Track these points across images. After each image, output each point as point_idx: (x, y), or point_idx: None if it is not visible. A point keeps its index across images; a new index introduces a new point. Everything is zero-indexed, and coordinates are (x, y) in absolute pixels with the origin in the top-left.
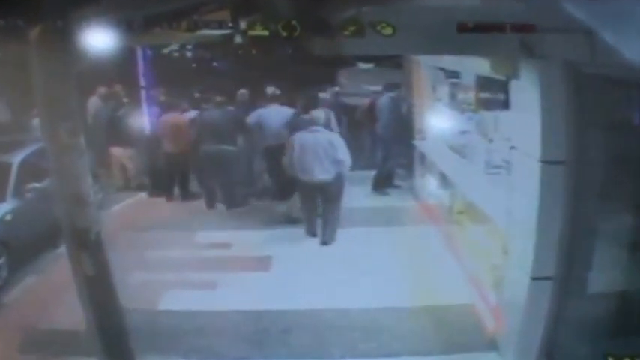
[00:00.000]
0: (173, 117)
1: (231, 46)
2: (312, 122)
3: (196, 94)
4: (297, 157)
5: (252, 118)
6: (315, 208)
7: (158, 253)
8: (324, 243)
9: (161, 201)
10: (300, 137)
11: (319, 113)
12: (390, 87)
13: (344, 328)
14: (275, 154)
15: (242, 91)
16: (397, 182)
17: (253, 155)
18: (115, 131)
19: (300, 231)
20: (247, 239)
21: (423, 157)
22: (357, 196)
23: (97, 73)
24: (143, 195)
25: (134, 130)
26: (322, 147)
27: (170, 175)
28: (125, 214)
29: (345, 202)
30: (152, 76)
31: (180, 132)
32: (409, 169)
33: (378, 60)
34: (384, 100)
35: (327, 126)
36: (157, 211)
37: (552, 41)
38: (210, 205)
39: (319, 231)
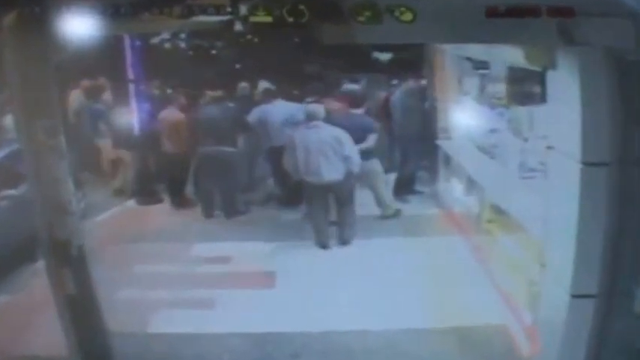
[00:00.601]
0: (171, 113)
1: (230, 35)
2: (312, 117)
3: (169, 90)
4: (301, 157)
5: (254, 115)
6: (325, 214)
7: (149, 268)
8: (344, 243)
9: (152, 209)
10: (302, 135)
11: (317, 107)
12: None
13: (360, 353)
14: (280, 155)
15: (243, 84)
16: (419, 187)
17: (256, 157)
18: (100, 130)
19: (308, 242)
20: (249, 252)
21: (447, 158)
22: (374, 202)
23: (79, 65)
24: (131, 202)
25: (121, 129)
26: (328, 144)
27: (164, 178)
28: (112, 224)
29: (359, 209)
30: (141, 68)
31: (178, 130)
32: (432, 172)
33: (396, 49)
34: (398, 95)
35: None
36: (148, 220)
37: (593, 26)
38: (208, 213)
39: (335, 234)
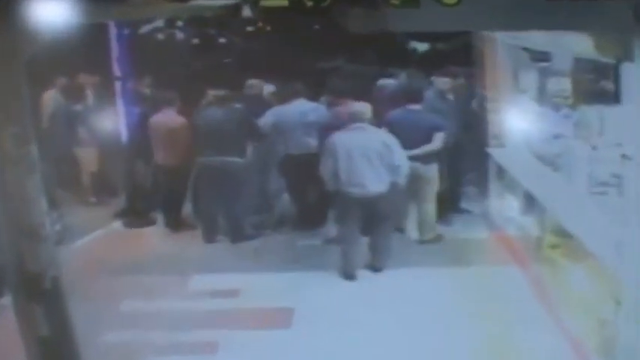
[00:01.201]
0: (167, 117)
1: (237, 22)
2: (355, 118)
3: (146, 90)
4: (342, 164)
5: (267, 118)
6: (358, 234)
7: (139, 304)
8: (376, 269)
9: (143, 233)
10: (344, 138)
11: (363, 106)
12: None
13: None
14: (299, 166)
15: (252, 82)
16: (465, 205)
17: (268, 169)
18: (79, 137)
19: (330, 272)
20: (260, 285)
21: (500, 170)
22: (413, 221)
23: (55, 60)
24: (118, 225)
25: (106, 136)
26: (374, 149)
27: (157, 195)
28: (94, 252)
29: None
30: (130, 62)
31: (176, 137)
32: (481, 187)
33: (437, 38)
34: (429, 94)
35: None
36: (138, 246)
37: None
38: (210, 237)
39: (368, 256)
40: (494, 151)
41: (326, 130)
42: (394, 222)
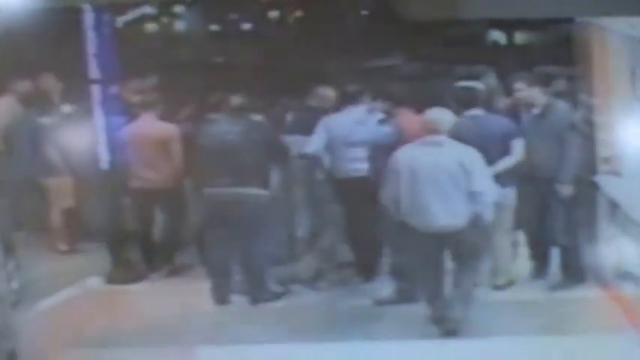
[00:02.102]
0: (146, 124)
1: (258, 7)
2: (429, 128)
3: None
4: (404, 187)
5: (320, 135)
6: (440, 276)
7: None
8: (449, 331)
9: (129, 291)
10: (409, 155)
11: (440, 114)
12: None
13: None
14: (350, 193)
15: (323, 90)
16: (565, 254)
17: (297, 204)
18: (46, 158)
19: (381, 346)
20: (289, 359)
21: (613, 206)
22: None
23: (11, 57)
24: (96, 280)
25: (82, 158)
26: (446, 171)
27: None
28: (63, 317)
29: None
30: (110, 60)
31: (162, 150)
32: (587, 228)
33: (525, 28)
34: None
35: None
36: (123, 309)
37: None
38: (222, 296)
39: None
40: (604, 181)
41: (387, 148)
42: (476, 268)
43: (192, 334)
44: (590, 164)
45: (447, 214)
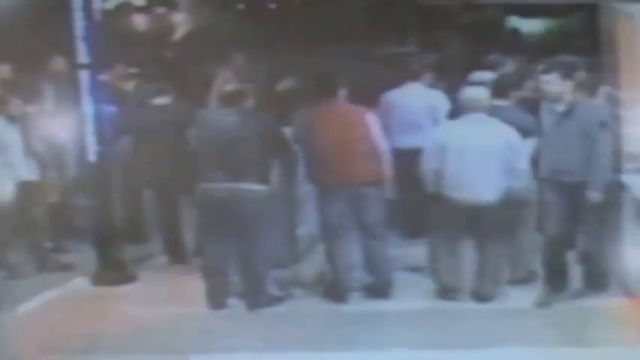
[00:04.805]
0: None
1: None
2: (469, 106)
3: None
4: (452, 163)
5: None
6: (456, 251)
7: None
8: (482, 298)
9: (119, 293)
10: (458, 131)
11: (479, 92)
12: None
13: None
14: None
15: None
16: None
17: (298, 201)
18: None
19: (392, 355)
20: None
21: (639, 207)
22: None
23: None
24: (82, 282)
25: (69, 150)
26: (494, 147)
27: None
28: (46, 322)
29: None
30: (102, 43)
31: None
32: (611, 231)
33: (547, 14)
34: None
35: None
36: (111, 313)
37: None
38: (217, 301)
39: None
40: (631, 180)
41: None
42: (507, 238)
43: (184, 341)
44: (614, 162)
45: (486, 188)
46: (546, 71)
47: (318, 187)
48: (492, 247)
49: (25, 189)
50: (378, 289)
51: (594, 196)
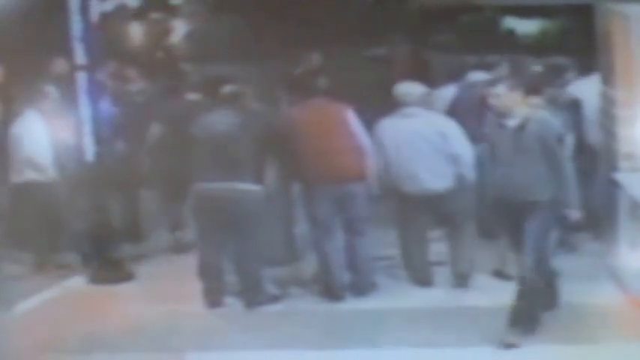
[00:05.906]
0: None
1: None
2: (403, 101)
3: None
4: (391, 157)
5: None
6: (425, 241)
7: None
8: (458, 279)
9: (116, 292)
10: (391, 127)
11: (410, 87)
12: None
13: None
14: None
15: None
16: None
17: (294, 200)
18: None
19: (390, 353)
20: None
21: (634, 206)
22: (493, 286)
23: None
24: (78, 280)
25: (66, 150)
26: (426, 138)
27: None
28: (41, 322)
29: (473, 298)
30: (100, 43)
31: None
32: (605, 229)
33: (542, 14)
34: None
35: None
36: (108, 312)
37: None
38: (214, 299)
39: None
40: (626, 178)
41: None
42: (468, 229)
43: (181, 340)
44: (609, 161)
45: (433, 177)
46: (493, 84)
47: (304, 185)
48: (459, 231)
49: (24, 189)
50: (358, 288)
51: (574, 213)
